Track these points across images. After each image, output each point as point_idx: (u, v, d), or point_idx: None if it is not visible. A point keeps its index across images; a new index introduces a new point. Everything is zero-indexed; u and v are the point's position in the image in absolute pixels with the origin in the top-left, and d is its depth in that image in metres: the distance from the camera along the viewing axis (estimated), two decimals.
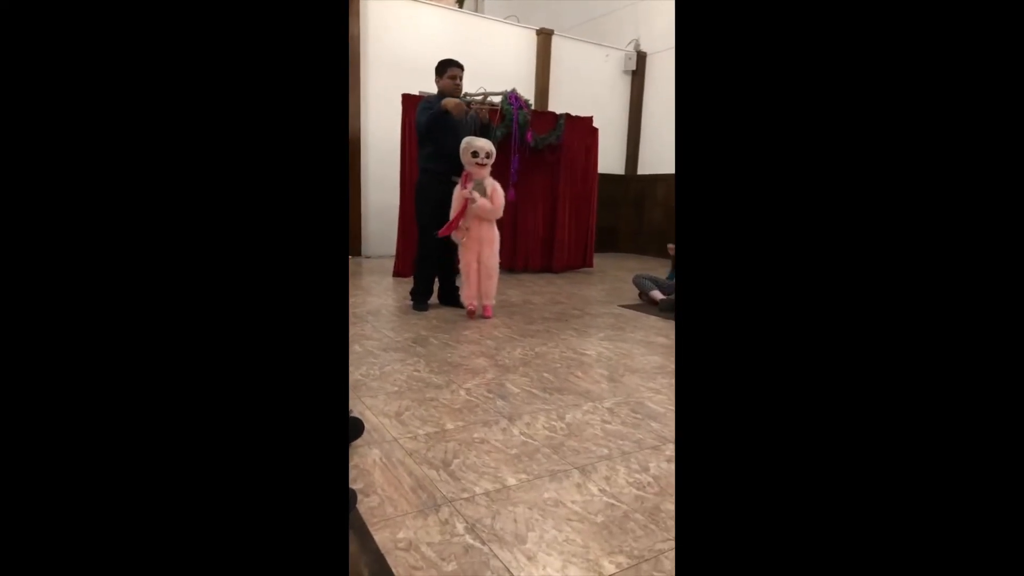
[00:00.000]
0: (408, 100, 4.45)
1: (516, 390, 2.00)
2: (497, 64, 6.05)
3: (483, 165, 3.02)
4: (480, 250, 3.09)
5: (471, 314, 3.14)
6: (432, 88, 3.51)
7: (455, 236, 3.06)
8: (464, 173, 3.05)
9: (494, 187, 3.06)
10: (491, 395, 1.94)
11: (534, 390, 2.01)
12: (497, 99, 4.41)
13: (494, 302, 3.20)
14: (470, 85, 3.83)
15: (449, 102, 3.01)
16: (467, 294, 3.16)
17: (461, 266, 3.17)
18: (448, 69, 3.19)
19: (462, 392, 1.96)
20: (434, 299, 3.49)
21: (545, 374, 2.20)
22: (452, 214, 3.06)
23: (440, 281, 3.49)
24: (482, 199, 3.00)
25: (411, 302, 3.37)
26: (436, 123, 3.07)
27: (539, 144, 4.96)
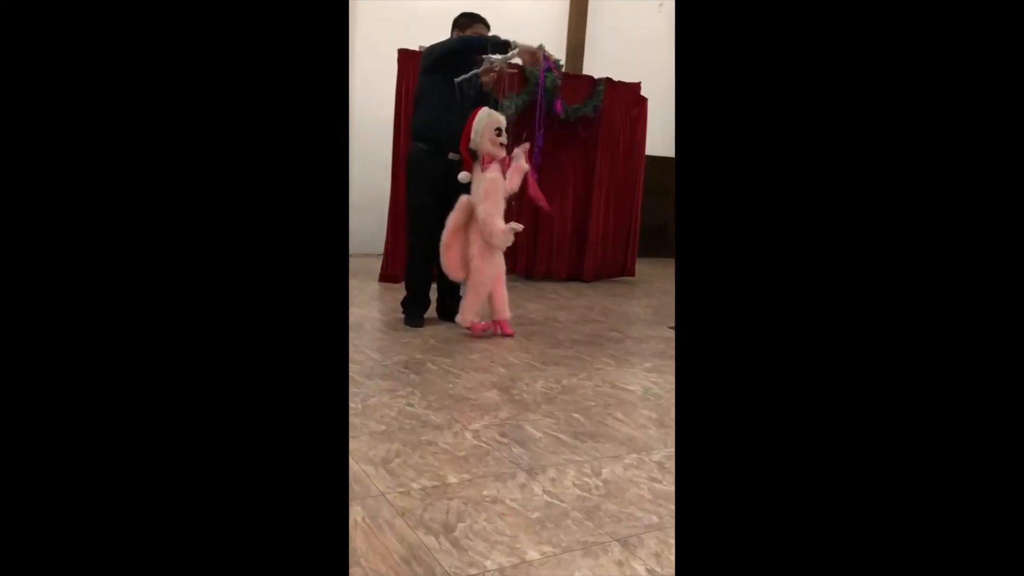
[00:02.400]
0: (406, 57, 4.48)
1: (537, 434, 1.99)
2: (519, 15, 6.08)
3: (503, 147, 3.04)
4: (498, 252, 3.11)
5: (480, 328, 3.16)
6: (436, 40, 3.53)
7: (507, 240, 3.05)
8: (504, 160, 3.03)
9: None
10: (505, 440, 1.93)
11: (560, 435, 2.00)
12: (517, 59, 4.43)
13: (477, 319, 3.19)
14: None
15: (524, 53, 3.05)
16: (481, 308, 3.18)
17: (485, 272, 3.13)
18: (475, 25, 3.24)
19: (468, 435, 1.95)
20: (432, 311, 3.50)
21: (575, 414, 2.19)
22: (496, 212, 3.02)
23: (439, 288, 3.49)
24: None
25: (402, 315, 3.39)
26: (455, 59, 3.09)
27: (571, 116, 4.97)
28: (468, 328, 3.16)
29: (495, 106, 3.17)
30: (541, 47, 3.14)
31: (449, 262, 3.09)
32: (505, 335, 3.18)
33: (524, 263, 5.11)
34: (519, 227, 3.02)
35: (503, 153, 3.04)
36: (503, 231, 2.99)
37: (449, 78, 3.14)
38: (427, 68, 3.20)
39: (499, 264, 3.13)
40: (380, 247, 4.96)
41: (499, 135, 2.99)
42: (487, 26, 3.27)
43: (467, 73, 3.15)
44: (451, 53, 3.12)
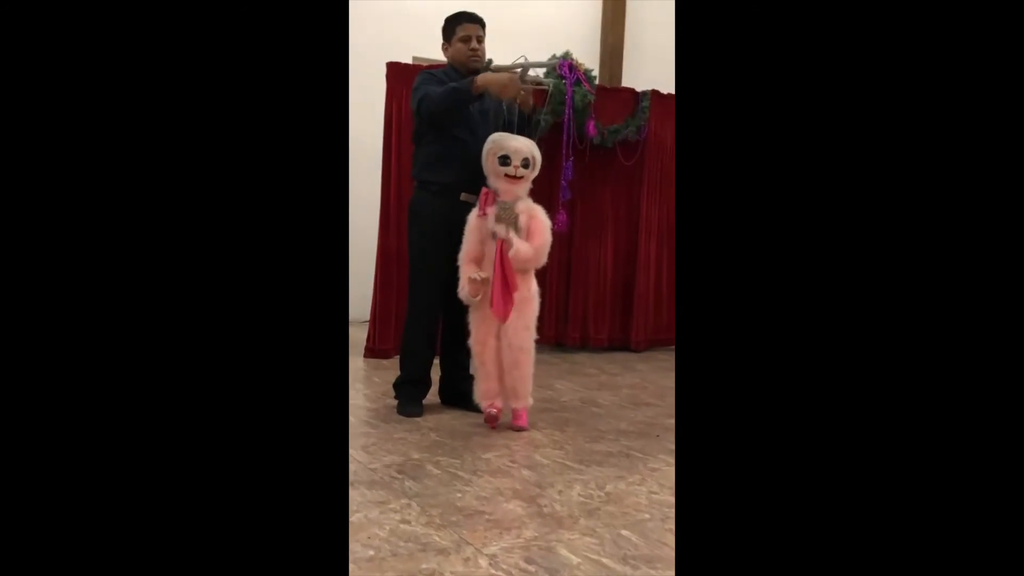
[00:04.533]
0: (397, 71, 4.61)
1: (575, 559, 1.96)
2: (543, 15, 6.26)
3: (517, 180, 3.07)
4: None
5: (493, 421, 3.13)
6: (436, 53, 3.63)
7: (466, 295, 3.08)
8: (484, 192, 3.09)
9: (532, 214, 3.11)
10: (532, 568, 1.90)
11: (606, 560, 1.96)
12: (542, 72, 4.53)
13: (530, 402, 3.19)
14: (503, 51, 3.94)
15: (491, 78, 3.07)
16: (484, 389, 3.17)
17: (472, 343, 3.19)
18: (459, 27, 3.28)
19: (483, 561, 1.92)
20: (434, 396, 3.50)
21: (624, 532, 2.15)
22: (465, 255, 3.09)
23: (443, 366, 3.50)
24: (518, 241, 3.03)
25: (395, 400, 3.39)
26: (453, 105, 3.14)
27: (608, 140, 5.05)
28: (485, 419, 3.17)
29: (537, 129, 3.22)
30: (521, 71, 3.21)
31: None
32: (514, 427, 3.14)
33: (552, 329, 5.11)
34: (478, 275, 3.03)
35: (508, 186, 3.06)
36: (462, 283, 3.09)
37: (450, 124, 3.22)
38: (420, 126, 3.31)
39: (485, 325, 3.13)
40: (365, 313, 5.00)
41: (504, 164, 3.04)
42: (478, 22, 3.30)
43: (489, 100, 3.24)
44: (431, 116, 3.19)
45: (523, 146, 3.07)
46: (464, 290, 3.09)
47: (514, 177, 3.05)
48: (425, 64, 4.74)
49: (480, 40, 3.29)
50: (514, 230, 3.04)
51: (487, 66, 3.44)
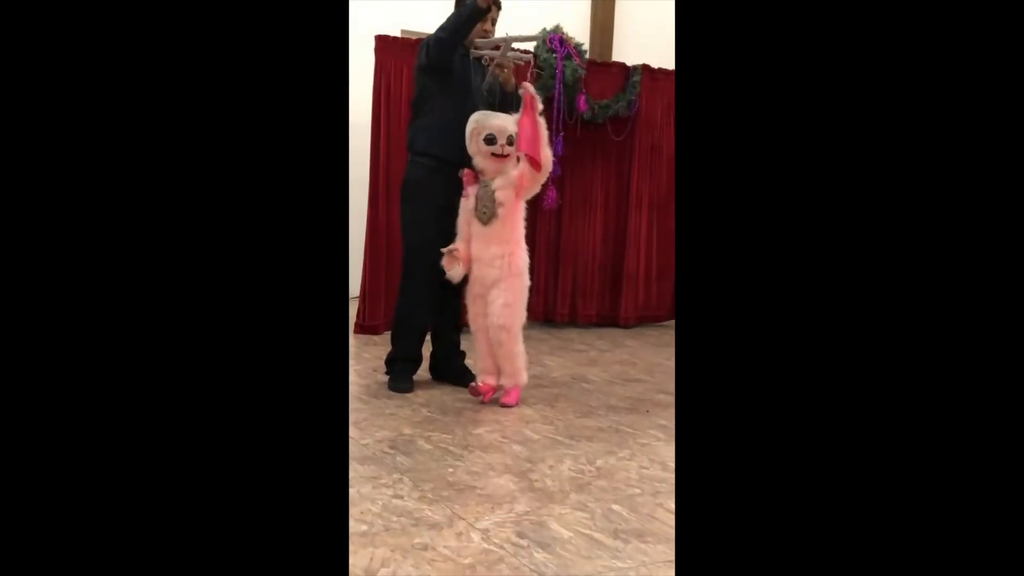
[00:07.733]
0: (385, 45, 4.57)
1: (566, 533, 1.98)
2: None
3: (504, 158, 3.07)
4: (487, 292, 3.13)
5: (486, 393, 3.18)
6: (424, 26, 3.60)
7: (449, 266, 3.11)
8: (466, 174, 3.09)
9: (513, 174, 3.11)
10: (524, 542, 1.92)
11: (596, 534, 1.98)
12: (530, 46, 4.50)
13: (523, 380, 3.21)
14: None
15: None
16: (481, 366, 3.20)
17: (469, 318, 3.20)
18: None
19: (475, 536, 1.94)
20: (424, 371, 3.52)
21: (614, 506, 2.17)
22: (459, 238, 3.11)
23: (434, 343, 3.51)
24: (518, 170, 3.05)
25: (387, 376, 3.41)
26: (458, 22, 3.10)
27: (598, 115, 5.03)
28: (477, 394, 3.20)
29: (514, 105, 3.24)
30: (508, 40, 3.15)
31: None
32: (500, 404, 3.16)
33: (541, 304, 5.13)
34: (451, 248, 3.09)
35: (494, 164, 3.06)
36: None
37: (455, 74, 3.19)
38: (430, 64, 3.25)
39: (476, 304, 3.16)
40: (354, 289, 4.98)
41: (490, 144, 3.03)
42: (498, 6, 3.32)
43: (485, 76, 3.25)
44: (434, 63, 3.15)
45: (507, 124, 3.07)
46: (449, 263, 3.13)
47: (501, 156, 3.06)
48: (414, 38, 4.70)
49: (494, 22, 3.31)
50: (489, 209, 3.06)
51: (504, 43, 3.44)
